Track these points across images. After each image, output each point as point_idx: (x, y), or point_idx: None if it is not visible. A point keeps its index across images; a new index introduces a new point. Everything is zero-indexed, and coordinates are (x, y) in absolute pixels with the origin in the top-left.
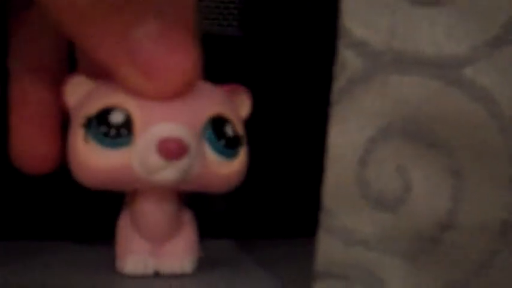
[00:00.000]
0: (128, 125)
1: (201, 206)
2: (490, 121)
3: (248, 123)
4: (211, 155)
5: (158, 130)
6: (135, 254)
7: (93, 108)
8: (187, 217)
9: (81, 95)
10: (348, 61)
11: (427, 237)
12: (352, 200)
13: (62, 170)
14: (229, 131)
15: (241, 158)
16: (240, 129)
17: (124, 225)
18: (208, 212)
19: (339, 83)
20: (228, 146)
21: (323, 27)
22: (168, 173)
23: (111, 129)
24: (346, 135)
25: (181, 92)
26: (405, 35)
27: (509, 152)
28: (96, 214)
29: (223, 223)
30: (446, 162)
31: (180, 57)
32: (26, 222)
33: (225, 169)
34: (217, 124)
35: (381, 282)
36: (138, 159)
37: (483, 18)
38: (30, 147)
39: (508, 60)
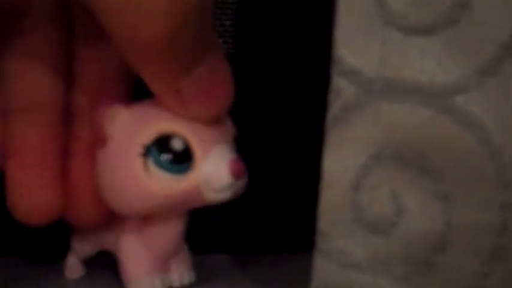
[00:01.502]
0: (188, 150)
1: (197, 221)
2: (479, 148)
3: (244, 139)
4: None
5: (222, 152)
6: (145, 275)
7: (147, 136)
8: None
9: (123, 124)
10: (341, 88)
11: (419, 260)
12: (345, 224)
13: None
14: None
15: None
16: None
17: (133, 247)
18: (204, 227)
19: (333, 110)
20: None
21: (318, 45)
22: (229, 192)
23: (175, 156)
24: (340, 160)
25: (217, 119)
26: (396, 63)
27: (498, 178)
28: None
29: (219, 237)
30: (437, 188)
31: (221, 94)
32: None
33: None
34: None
35: None
36: (204, 182)
37: (473, 48)
38: (29, 197)
39: (498, 89)
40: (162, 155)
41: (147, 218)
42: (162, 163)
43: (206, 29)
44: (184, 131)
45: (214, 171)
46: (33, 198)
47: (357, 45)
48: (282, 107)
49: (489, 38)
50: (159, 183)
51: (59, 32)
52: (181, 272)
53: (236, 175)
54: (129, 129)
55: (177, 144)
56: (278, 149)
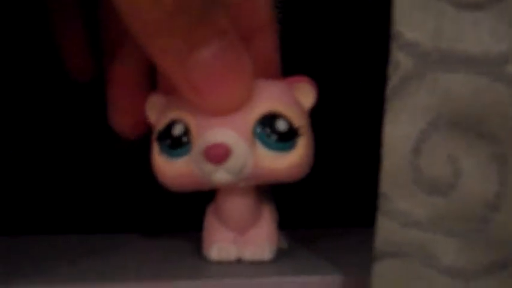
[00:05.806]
0: (186, 135)
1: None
2: None
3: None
4: (263, 151)
5: (206, 137)
6: (219, 243)
7: (162, 123)
8: (268, 207)
9: (158, 111)
10: (400, 61)
11: (476, 217)
12: (406, 186)
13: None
14: (281, 125)
15: (299, 149)
16: (298, 121)
17: (210, 218)
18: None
19: (392, 82)
20: (281, 140)
21: (376, 24)
22: (221, 174)
23: (173, 141)
24: (400, 127)
25: (231, 110)
26: (452, 36)
27: None
28: (187, 207)
29: (286, 213)
30: (492, 150)
31: (231, 82)
32: (126, 215)
33: (281, 162)
34: (267, 121)
35: (436, 259)
36: (196, 165)
37: None
38: (125, 115)
39: None
40: (165, 140)
41: (221, 193)
42: (165, 148)
43: (213, 15)
44: (187, 117)
45: (197, 156)
46: (128, 116)
47: (414, 20)
48: (342, 84)
49: None
50: (165, 167)
51: None
52: (254, 248)
53: (211, 160)
54: (158, 117)
55: (176, 130)
56: (340, 124)
